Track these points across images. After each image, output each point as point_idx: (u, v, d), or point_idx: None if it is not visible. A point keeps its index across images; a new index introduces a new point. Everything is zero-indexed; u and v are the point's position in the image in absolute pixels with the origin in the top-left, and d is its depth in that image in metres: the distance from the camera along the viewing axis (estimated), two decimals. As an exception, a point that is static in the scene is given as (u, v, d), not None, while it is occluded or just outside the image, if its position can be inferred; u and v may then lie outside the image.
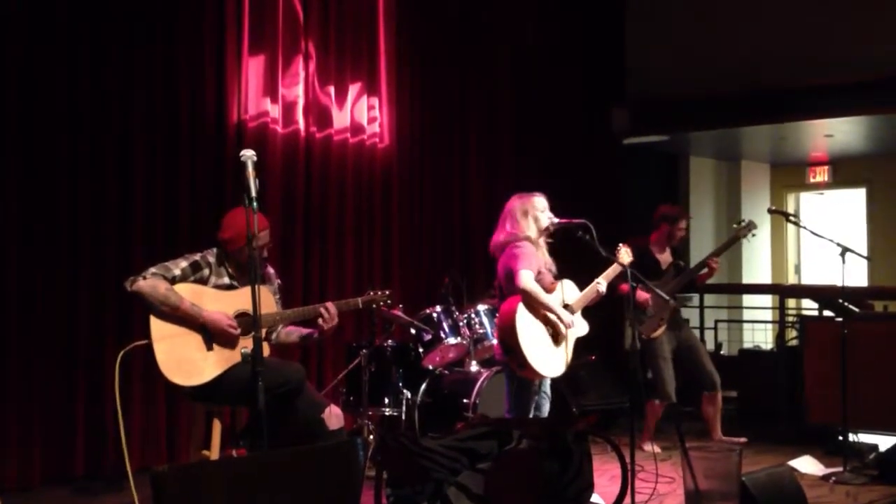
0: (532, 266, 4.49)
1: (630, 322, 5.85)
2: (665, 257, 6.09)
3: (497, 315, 4.81)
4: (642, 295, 5.70)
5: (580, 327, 4.74)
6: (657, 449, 5.71)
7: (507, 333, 4.51)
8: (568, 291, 4.67)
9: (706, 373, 6.00)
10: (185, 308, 3.87)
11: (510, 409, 4.63)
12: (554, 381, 4.81)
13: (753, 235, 6.07)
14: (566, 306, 4.66)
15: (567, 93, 8.22)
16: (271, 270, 4.35)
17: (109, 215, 5.21)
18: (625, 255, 4.86)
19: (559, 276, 4.73)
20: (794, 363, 6.57)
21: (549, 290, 4.58)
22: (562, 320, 4.55)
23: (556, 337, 4.60)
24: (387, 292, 4.38)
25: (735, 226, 6.02)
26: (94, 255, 5.16)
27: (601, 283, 4.74)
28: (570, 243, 4.71)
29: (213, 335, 3.94)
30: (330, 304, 4.15)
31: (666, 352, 5.93)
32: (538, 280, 4.52)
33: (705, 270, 5.96)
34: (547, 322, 4.58)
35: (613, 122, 8.69)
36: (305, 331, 4.25)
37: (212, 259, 4.09)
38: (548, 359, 4.54)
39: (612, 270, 4.79)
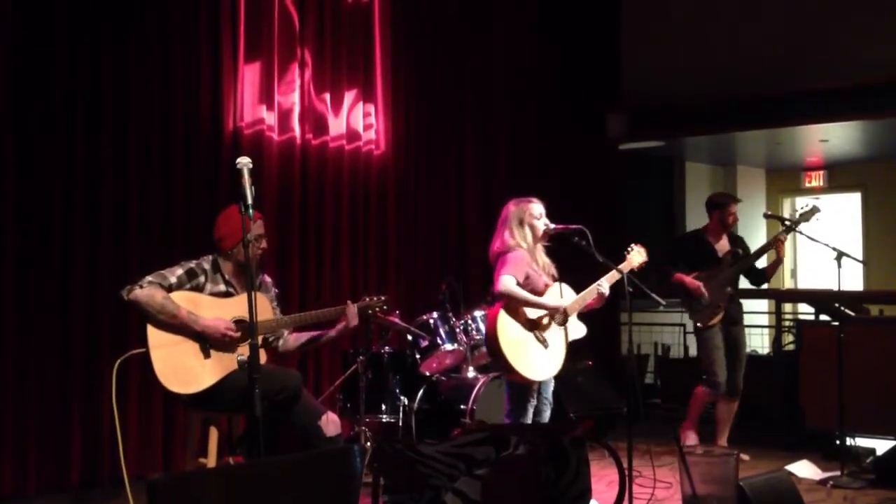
0: (516, 272, 4.46)
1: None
2: (722, 245, 6.01)
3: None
4: (693, 283, 5.74)
5: (577, 330, 4.70)
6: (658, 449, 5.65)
7: (490, 339, 4.53)
8: (564, 294, 4.65)
9: (732, 378, 5.91)
10: (182, 316, 3.87)
11: (508, 414, 4.62)
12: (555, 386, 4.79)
13: (818, 220, 6.03)
14: (561, 309, 4.64)
15: (563, 98, 8.22)
16: (268, 279, 4.35)
17: (105, 223, 5.21)
18: (636, 254, 4.79)
19: (558, 281, 4.70)
20: (791, 367, 6.57)
21: (541, 293, 4.56)
22: (548, 307, 4.52)
23: (545, 340, 4.57)
24: (382, 298, 4.38)
25: (801, 209, 5.94)
26: (90, 262, 5.15)
27: (603, 285, 4.65)
28: (568, 248, 4.70)
29: (210, 342, 3.93)
30: (350, 304, 4.25)
31: (719, 340, 5.84)
32: (528, 283, 4.50)
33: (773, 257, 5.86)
34: (532, 326, 4.54)
35: (609, 127, 8.69)
36: (314, 332, 4.25)
37: (207, 266, 4.09)
38: (534, 362, 4.50)
39: (616, 274, 4.74)
